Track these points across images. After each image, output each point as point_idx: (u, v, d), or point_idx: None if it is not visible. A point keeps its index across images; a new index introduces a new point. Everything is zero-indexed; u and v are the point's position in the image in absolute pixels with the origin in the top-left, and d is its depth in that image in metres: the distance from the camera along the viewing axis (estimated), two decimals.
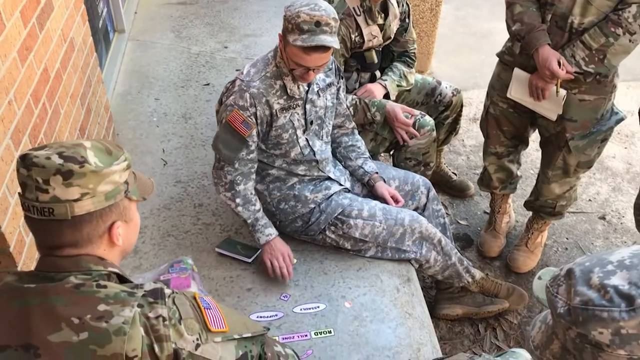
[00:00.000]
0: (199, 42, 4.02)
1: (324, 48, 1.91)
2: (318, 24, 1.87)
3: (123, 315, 0.97)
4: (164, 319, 1.00)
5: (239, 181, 2.11)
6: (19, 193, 1.05)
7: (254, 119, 2.04)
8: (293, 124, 2.13)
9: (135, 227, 1.17)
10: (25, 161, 1.02)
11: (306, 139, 2.18)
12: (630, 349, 0.82)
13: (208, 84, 3.53)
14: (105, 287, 1.01)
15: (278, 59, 2.05)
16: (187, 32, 4.15)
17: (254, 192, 2.16)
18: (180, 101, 3.36)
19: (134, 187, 1.13)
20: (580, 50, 2.20)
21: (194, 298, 1.09)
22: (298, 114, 2.13)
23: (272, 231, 2.16)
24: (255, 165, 2.16)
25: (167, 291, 1.05)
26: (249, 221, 2.14)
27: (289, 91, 2.07)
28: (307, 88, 2.12)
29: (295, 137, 2.16)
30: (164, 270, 2.16)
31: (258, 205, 2.16)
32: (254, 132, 2.06)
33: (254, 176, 2.16)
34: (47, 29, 2.11)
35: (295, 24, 1.88)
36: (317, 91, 2.16)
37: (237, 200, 2.12)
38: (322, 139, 2.25)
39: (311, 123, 2.18)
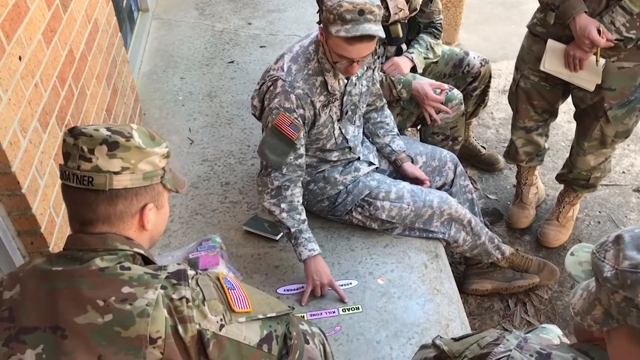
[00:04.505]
0: (223, 19, 4.00)
1: (369, 38, 1.81)
2: (362, 12, 1.77)
3: (146, 298, 0.98)
4: (188, 300, 1.01)
5: (286, 187, 2.00)
6: (60, 164, 1.08)
7: (300, 121, 1.95)
8: (332, 118, 2.08)
9: (164, 215, 1.19)
10: (73, 131, 1.06)
11: (339, 127, 2.13)
12: None
13: (232, 62, 3.51)
14: (129, 269, 1.02)
15: (320, 54, 1.96)
16: (210, 10, 4.13)
17: (300, 201, 2.05)
18: (205, 79, 3.36)
19: (170, 177, 1.17)
20: (620, 16, 2.11)
21: (218, 279, 1.09)
22: (335, 106, 2.07)
23: (315, 247, 2.02)
24: (303, 174, 2.07)
25: (191, 272, 1.06)
26: (292, 230, 2.01)
27: (329, 88, 2.00)
28: (346, 81, 2.05)
29: (332, 130, 2.11)
30: (193, 248, 2.20)
31: (304, 216, 2.04)
32: (302, 134, 1.97)
33: (300, 184, 2.07)
34: (71, 10, 2.11)
35: (338, 14, 1.78)
36: (355, 81, 2.09)
37: (282, 206, 2.00)
38: (354, 124, 2.20)
39: (346, 113, 2.12)
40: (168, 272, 1.04)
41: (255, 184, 2.56)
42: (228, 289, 1.08)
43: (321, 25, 1.91)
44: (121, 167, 1.05)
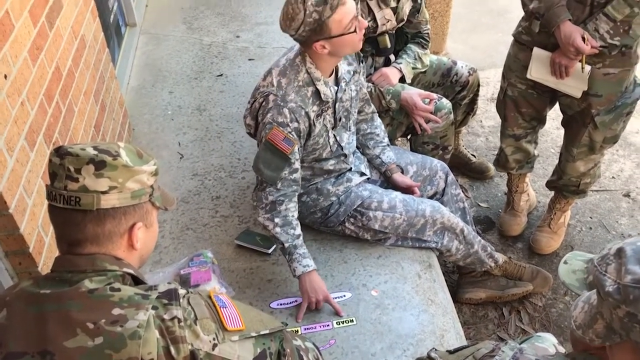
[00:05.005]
0: (211, 33, 4.00)
1: None
2: None
3: (137, 319, 0.97)
4: (179, 320, 0.99)
5: (281, 201, 1.98)
6: (46, 185, 1.07)
7: (295, 135, 1.93)
8: (326, 126, 2.06)
9: (154, 233, 1.18)
10: (59, 151, 1.05)
11: (334, 134, 2.12)
12: None
13: (221, 75, 3.51)
14: (119, 290, 1.00)
15: (308, 64, 1.95)
16: (198, 23, 4.13)
17: (295, 216, 2.02)
18: (194, 93, 3.35)
19: (159, 195, 1.16)
20: (604, 23, 2.13)
21: (209, 297, 1.08)
22: (329, 114, 2.06)
23: (310, 262, 1.99)
24: (299, 189, 2.05)
25: (182, 291, 1.04)
26: (286, 245, 1.98)
27: (322, 96, 1.98)
28: (336, 88, 2.05)
29: (328, 138, 2.09)
30: (184, 264, 2.18)
31: (298, 231, 2.02)
32: (296, 148, 1.95)
33: (296, 199, 2.04)
34: (57, 27, 2.10)
35: (314, 3, 1.80)
36: (344, 87, 2.09)
37: (276, 220, 1.98)
38: (349, 130, 2.19)
39: (340, 119, 2.11)
40: (159, 292, 1.02)
41: (246, 197, 2.56)
42: (220, 307, 1.06)
43: (309, 46, 1.90)
44: (109, 187, 1.04)
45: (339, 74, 2.06)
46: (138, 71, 3.59)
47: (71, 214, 1.04)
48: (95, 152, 1.04)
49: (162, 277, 2.13)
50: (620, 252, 0.89)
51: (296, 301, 2.07)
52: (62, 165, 1.04)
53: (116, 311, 0.97)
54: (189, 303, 1.03)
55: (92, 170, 1.03)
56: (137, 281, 1.10)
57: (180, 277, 2.11)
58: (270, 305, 2.07)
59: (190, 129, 3.05)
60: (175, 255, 2.29)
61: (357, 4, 2.08)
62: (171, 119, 3.13)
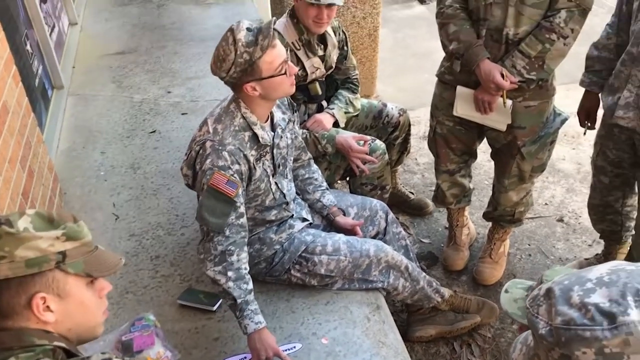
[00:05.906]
0: (142, 90, 3.96)
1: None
2: (250, 29, 1.81)
3: None
4: None
5: (231, 251, 1.89)
6: None
7: (237, 177, 1.89)
8: (266, 172, 2.05)
9: (79, 304, 1.08)
10: None
11: (275, 182, 2.10)
12: None
13: (154, 131, 3.47)
14: None
15: (243, 109, 1.94)
16: (128, 82, 4.09)
17: (247, 269, 1.94)
18: (127, 152, 3.28)
19: (78, 260, 1.07)
20: (519, 59, 2.25)
21: None
22: (267, 160, 2.05)
23: (261, 319, 1.91)
24: (247, 235, 1.98)
25: None
26: (238, 301, 1.88)
27: (260, 139, 1.96)
28: (273, 133, 2.05)
29: (269, 184, 2.07)
30: (126, 329, 2.08)
31: (250, 285, 1.93)
32: (240, 191, 1.90)
33: (246, 248, 1.97)
34: None
35: (245, 44, 1.79)
36: (281, 133, 2.09)
37: (229, 274, 1.88)
38: (287, 178, 2.19)
39: (279, 166, 2.10)
40: None
41: (186, 254, 2.50)
42: None
43: (240, 88, 1.90)
44: None
45: (275, 120, 2.07)
46: (68, 134, 3.50)
47: None
48: None
49: (103, 346, 2.03)
50: (549, 293, 0.90)
51: (245, 358, 2.00)
52: None
53: None
54: None
55: None
56: (70, 355, 1.03)
57: (122, 344, 2.01)
58: None
59: (124, 189, 2.97)
60: (116, 321, 2.18)
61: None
62: (104, 180, 3.05)
